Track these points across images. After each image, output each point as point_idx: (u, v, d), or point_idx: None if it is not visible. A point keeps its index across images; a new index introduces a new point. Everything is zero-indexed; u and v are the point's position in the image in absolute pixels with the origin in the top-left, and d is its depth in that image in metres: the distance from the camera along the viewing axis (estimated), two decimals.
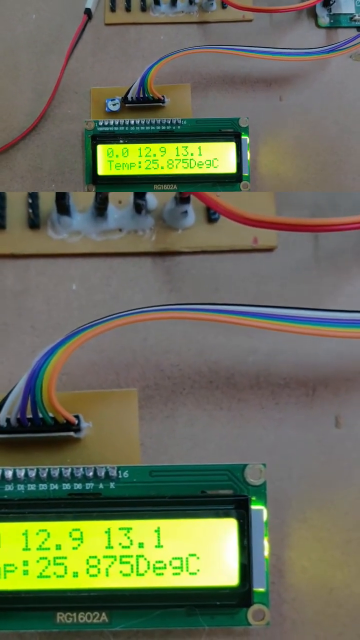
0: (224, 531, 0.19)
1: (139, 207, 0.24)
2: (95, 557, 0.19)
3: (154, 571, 0.19)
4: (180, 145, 0.32)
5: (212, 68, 0.35)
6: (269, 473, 0.21)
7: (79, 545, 0.19)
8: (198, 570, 0.19)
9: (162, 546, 0.19)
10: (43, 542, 0.19)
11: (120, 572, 0.19)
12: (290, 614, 0.21)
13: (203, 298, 0.24)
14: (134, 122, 0.32)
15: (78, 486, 0.20)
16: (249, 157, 0.32)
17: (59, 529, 0.19)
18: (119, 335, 0.22)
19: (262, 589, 0.20)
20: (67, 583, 0.19)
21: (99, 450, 0.22)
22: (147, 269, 0.24)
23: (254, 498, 0.20)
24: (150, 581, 0.19)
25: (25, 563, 0.19)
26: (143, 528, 0.19)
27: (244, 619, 0.20)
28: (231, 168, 0.32)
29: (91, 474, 0.20)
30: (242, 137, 0.32)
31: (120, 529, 0.19)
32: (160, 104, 0.34)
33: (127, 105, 0.33)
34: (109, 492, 0.20)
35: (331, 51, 0.34)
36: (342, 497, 0.23)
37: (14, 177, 0.33)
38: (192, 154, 0.31)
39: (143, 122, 0.32)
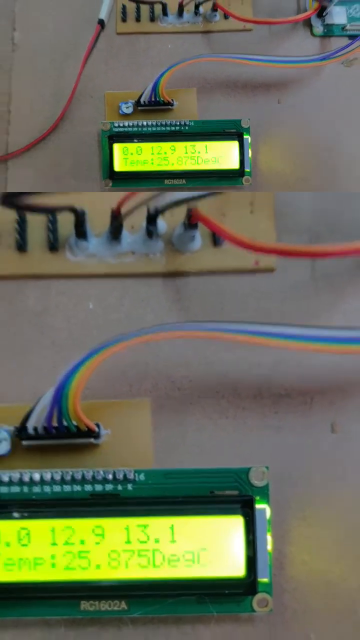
0: (231, 527, 0.21)
1: (150, 232, 0.25)
2: (116, 551, 0.20)
3: (168, 563, 0.20)
4: (188, 144, 0.33)
5: (216, 74, 0.36)
6: (271, 475, 0.21)
7: (100, 540, 0.20)
8: (208, 562, 0.20)
9: (175, 541, 0.20)
10: (69, 538, 0.20)
11: (138, 564, 0.20)
12: (291, 603, 0.22)
13: (210, 315, 0.24)
14: (146, 123, 0.34)
15: (99, 487, 0.21)
16: (250, 155, 0.34)
17: (83, 526, 0.20)
18: (132, 350, 0.22)
19: (265, 580, 0.20)
20: (91, 574, 0.20)
21: (116, 455, 0.23)
22: (158, 289, 0.25)
23: (257, 498, 0.21)
24: (165, 572, 0.20)
25: (53, 557, 0.20)
26: (158, 525, 0.21)
27: (249, 606, 0.21)
28: (234, 164, 0.34)
29: (110, 476, 0.21)
30: (244, 136, 0.34)
31: (138, 525, 0.20)
32: (169, 106, 0.35)
33: (139, 108, 0.34)
34: (127, 493, 0.21)
35: (325, 58, 0.35)
36: (338, 497, 0.23)
37: (36, 174, 0.35)
38: (199, 152, 0.33)
39: (154, 123, 0.34)
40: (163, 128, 0.34)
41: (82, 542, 0.20)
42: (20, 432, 0.21)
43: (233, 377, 0.24)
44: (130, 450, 0.23)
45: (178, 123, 0.34)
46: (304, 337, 0.21)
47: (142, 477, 0.21)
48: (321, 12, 0.37)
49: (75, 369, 0.20)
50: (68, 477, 0.21)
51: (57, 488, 0.21)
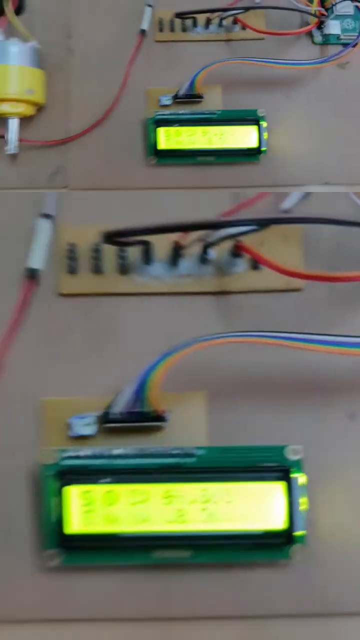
0: (273, 491, 0.24)
1: (203, 259, 0.28)
2: (182, 509, 0.24)
3: (224, 519, 0.24)
4: (216, 128, 0.40)
5: (236, 73, 0.42)
6: (304, 451, 0.25)
7: (169, 501, 0.24)
8: (256, 518, 0.24)
9: (230, 502, 0.24)
10: (144, 499, 0.24)
11: (200, 520, 0.24)
12: (319, 553, 0.25)
13: (252, 326, 0.27)
14: (183, 111, 0.40)
15: (167, 460, 0.25)
16: (265, 137, 0.40)
17: (156, 490, 0.24)
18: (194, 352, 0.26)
19: (301, 532, 0.24)
20: (162, 528, 0.24)
21: (178, 436, 0.26)
22: (209, 305, 0.28)
23: (294, 469, 0.25)
24: (222, 526, 0.24)
25: (132, 514, 0.24)
26: (216, 489, 0.24)
27: (287, 554, 0.24)
28: (253, 144, 0.40)
29: (176, 452, 0.25)
30: (260, 122, 0.40)
31: (199, 490, 0.24)
32: (200, 99, 0.41)
33: (176, 100, 0.41)
34: (189, 465, 0.25)
35: (323, 62, 0.41)
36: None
37: (91, 154, 0.41)
38: (225, 135, 0.40)
39: (189, 111, 0.40)
40: (196, 116, 0.40)
41: (155, 502, 0.24)
42: (105, 417, 0.25)
43: (273, 375, 0.28)
44: (189, 433, 0.26)
45: (208, 112, 0.40)
46: (329, 342, 0.26)
47: (201, 452, 0.25)
48: (320, 25, 0.43)
49: (155, 364, 0.23)
50: (142, 453, 0.25)
51: (134, 461, 0.25)
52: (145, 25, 0.43)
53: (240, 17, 0.43)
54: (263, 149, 0.41)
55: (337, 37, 0.44)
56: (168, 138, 0.40)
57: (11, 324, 0.26)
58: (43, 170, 0.41)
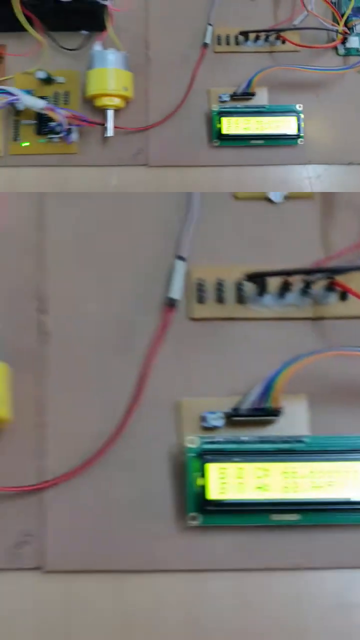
0: None
1: (304, 292, 0.33)
2: (294, 482, 0.29)
3: (327, 490, 0.29)
4: (265, 118, 0.50)
5: (279, 77, 0.51)
6: None
7: (285, 476, 0.29)
8: (352, 489, 0.29)
9: (332, 476, 0.29)
10: (265, 474, 0.29)
11: (308, 490, 0.29)
12: None
13: (347, 343, 0.33)
14: (240, 105, 0.50)
15: (282, 445, 0.30)
16: (302, 125, 0.50)
17: (274, 467, 0.29)
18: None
19: None
20: (279, 496, 0.29)
21: (286, 427, 0.32)
22: (308, 328, 0.34)
23: None
24: (329, 494, 0.29)
25: (256, 485, 0.29)
26: (321, 467, 0.29)
27: None
28: (293, 131, 0.50)
29: (290, 439, 0.30)
30: (299, 114, 0.50)
31: (308, 467, 0.29)
32: (252, 96, 0.51)
33: (233, 97, 0.50)
34: (300, 449, 0.30)
35: (346, 69, 0.51)
36: None
37: (165, 139, 0.50)
38: (271, 123, 0.50)
39: (244, 106, 0.51)
40: (250, 109, 0.50)
41: (273, 477, 0.29)
42: (234, 412, 0.31)
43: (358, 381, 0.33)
44: (295, 424, 0.32)
45: (258, 106, 0.51)
46: None
47: (308, 439, 0.30)
48: (344, 41, 0.52)
49: (279, 371, 0.29)
50: (263, 439, 0.30)
51: (257, 445, 0.30)
52: (207, 40, 0.52)
53: (282, 34, 0.52)
54: (301, 135, 0.50)
55: (357, 50, 0.53)
56: (229, 125, 0.49)
57: (155, 341, 0.34)
58: (128, 150, 0.50)
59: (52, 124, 0.49)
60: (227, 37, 0.53)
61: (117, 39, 0.51)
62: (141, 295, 0.35)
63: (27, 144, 0.49)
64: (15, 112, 0.49)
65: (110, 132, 0.48)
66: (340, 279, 0.33)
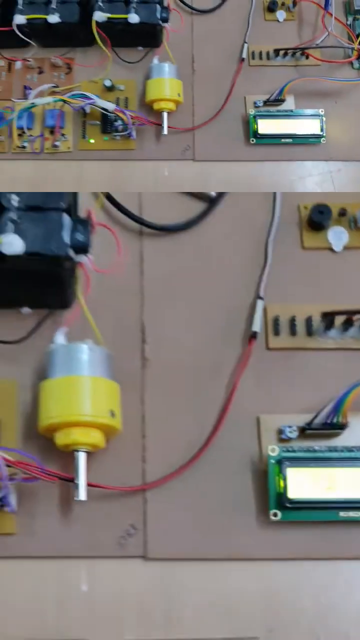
0: None
1: None
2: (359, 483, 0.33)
3: None
4: (294, 120, 0.59)
5: (304, 86, 0.59)
6: None
7: (351, 479, 0.33)
8: None
9: None
10: (334, 477, 0.33)
11: None
12: None
13: None
14: (273, 110, 0.59)
15: (350, 454, 0.34)
16: (324, 127, 0.57)
17: (343, 472, 0.33)
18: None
19: None
20: (345, 495, 0.33)
21: (353, 437, 0.36)
22: None
23: None
24: None
25: (326, 486, 0.33)
26: None
27: None
28: (317, 132, 0.57)
29: (356, 448, 0.34)
30: (322, 117, 0.57)
31: None
32: (283, 102, 0.59)
33: (266, 103, 0.59)
34: None
35: None
36: None
37: (209, 138, 0.58)
38: (298, 124, 0.58)
39: (276, 110, 0.59)
40: (281, 112, 0.59)
41: (342, 480, 0.33)
42: (309, 426, 0.35)
43: None
44: (358, 436, 0.36)
45: (287, 110, 0.59)
46: None
47: None
48: (358, 57, 0.60)
49: (349, 391, 0.33)
50: (333, 448, 0.35)
51: (328, 453, 0.34)
52: (243, 55, 0.61)
53: (306, 51, 0.60)
54: (323, 135, 0.57)
55: None
56: (263, 126, 0.56)
57: (240, 366, 0.40)
58: (178, 147, 0.57)
59: (117, 123, 0.56)
60: (260, 52, 0.61)
61: (170, 53, 0.59)
62: (226, 327, 0.40)
63: (93, 141, 0.57)
64: (83, 114, 0.57)
65: (165, 131, 0.55)
66: None
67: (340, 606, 0.34)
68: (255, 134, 0.56)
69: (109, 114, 0.54)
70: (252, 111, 0.57)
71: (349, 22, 0.62)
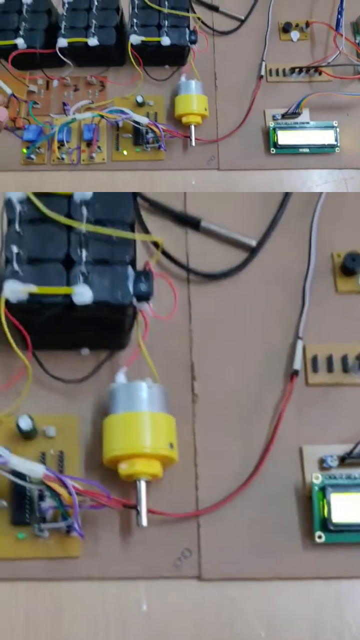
0: None
1: None
2: None
3: None
4: (310, 131, 0.62)
5: (317, 100, 0.62)
6: None
7: None
8: None
9: None
10: None
11: None
12: None
13: None
14: (290, 122, 0.63)
15: None
16: (339, 137, 0.60)
17: None
18: None
19: None
20: None
21: None
22: None
23: None
24: None
25: None
26: None
27: None
28: (332, 142, 0.60)
29: None
30: (335, 129, 0.60)
31: None
32: (299, 114, 0.63)
33: (283, 116, 0.63)
34: None
35: None
36: None
37: (232, 150, 0.61)
38: (314, 135, 0.61)
39: (293, 122, 0.63)
40: (298, 124, 0.63)
41: None
42: (348, 456, 0.38)
43: None
44: None
45: (304, 122, 0.62)
46: None
47: None
48: None
49: None
50: None
51: None
52: (262, 72, 0.65)
53: (320, 68, 0.64)
54: (337, 145, 0.60)
55: None
56: (283, 137, 0.60)
57: (284, 401, 0.43)
58: (204, 157, 0.60)
59: (148, 136, 0.60)
60: (277, 70, 0.65)
61: (197, 71, 0.63)
62: (267, 365, 0.44)
63: (126, 152, 0.60)
64: (117, 128, 0.60)
65: (193, 142, 0.59)
66: None
67: None
68: (275, 144, 0.60)
69: (140, 127, 0.58)
70: (271, 124, 0.60)
71: (357, 41, 0.66)
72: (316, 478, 0.38)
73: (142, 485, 0.37)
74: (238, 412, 0.42)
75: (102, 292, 0.36)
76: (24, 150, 0.60)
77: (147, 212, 0.51)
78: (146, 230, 0.49)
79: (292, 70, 0.65)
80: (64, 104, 0.62)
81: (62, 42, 0.61)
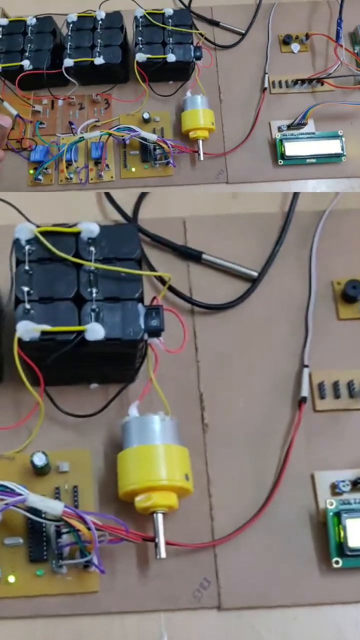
0: None
1: None
2: None
3: None
4: (316, 141, 0.62)
5: (321, 110, 0.62)
6: None
7: None
8: None
9: None
10: None
11: None
12: None
13: None
14: (297, 133, 0.63)
15: None
16: (344, 146, 0.60)
17: None
18: None
19: None
20: None
21: None
22: None
23: None
24: None
25: None
26: None
27: None
28: (338, 151, 0.60)
29: None
30: (341, 138, 0.60)
31: None
32: (305, 125, 0.63)
33: (289, 127, 0.63)
34: None
35: None
36: None
37: (240, 163, 0.61)
38: (320, 145, 0.62)
39: (299, 132, 0.63)
40: (304, 135, 0.63)
41: None
42: (359, 480, 0.40)
43: None
44: None
45: (310, 132, 0.62)
46: None
47: None
48: None
49: None
50: None
51: None
52: (265, 85, 0.65)
53: (322, 79, 0.64)
54: (344, 154, 0.60)
55: None
56: (290, 148, 0.60)
57: (294, 428, 0.44)
58: (212, 171, 0.60)
59: (156, 152, 0.59)
60: (280, 82, 0.65)
61: (202, 86, 0.63)
62: (273, 393, 0.45)
63: (134, 169, 0.60)
64: (123, 145, 0.59)
65: (201, 157, 0.59)
66: None
67: None
68: (283, 155, 0.60)
69: (148, 143, 0.58)
70: (278, 135, 0.61)
71: (357, 51, 0.67)
72: (330, 504, 0.38)
73: (159, 518, 0.37)
74: (248, 440, 0.43)
75: (114, 329, 0.37)
76: (31, 172, 0.60)
77: (149, 245, 0.51)
78: (150, 265, 0.50)
79: (295, 81, 0.65)
80: (71, 123, 0.62)
81: (68, 62, 0.61)
